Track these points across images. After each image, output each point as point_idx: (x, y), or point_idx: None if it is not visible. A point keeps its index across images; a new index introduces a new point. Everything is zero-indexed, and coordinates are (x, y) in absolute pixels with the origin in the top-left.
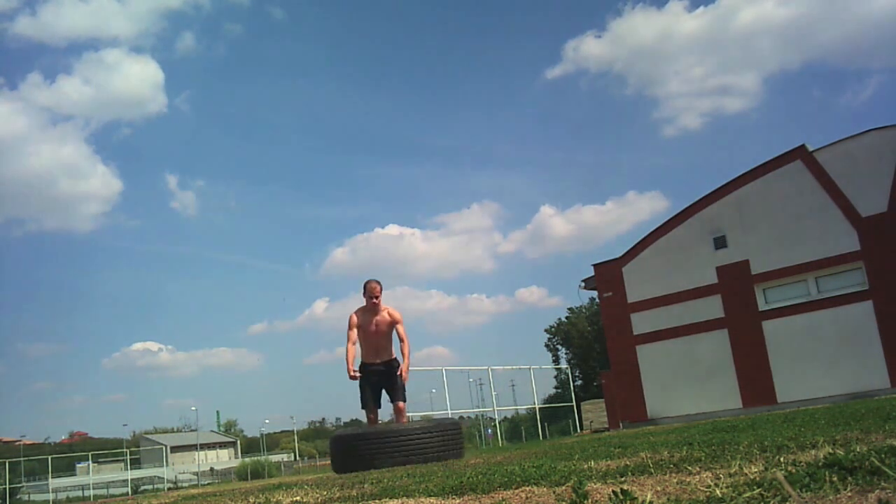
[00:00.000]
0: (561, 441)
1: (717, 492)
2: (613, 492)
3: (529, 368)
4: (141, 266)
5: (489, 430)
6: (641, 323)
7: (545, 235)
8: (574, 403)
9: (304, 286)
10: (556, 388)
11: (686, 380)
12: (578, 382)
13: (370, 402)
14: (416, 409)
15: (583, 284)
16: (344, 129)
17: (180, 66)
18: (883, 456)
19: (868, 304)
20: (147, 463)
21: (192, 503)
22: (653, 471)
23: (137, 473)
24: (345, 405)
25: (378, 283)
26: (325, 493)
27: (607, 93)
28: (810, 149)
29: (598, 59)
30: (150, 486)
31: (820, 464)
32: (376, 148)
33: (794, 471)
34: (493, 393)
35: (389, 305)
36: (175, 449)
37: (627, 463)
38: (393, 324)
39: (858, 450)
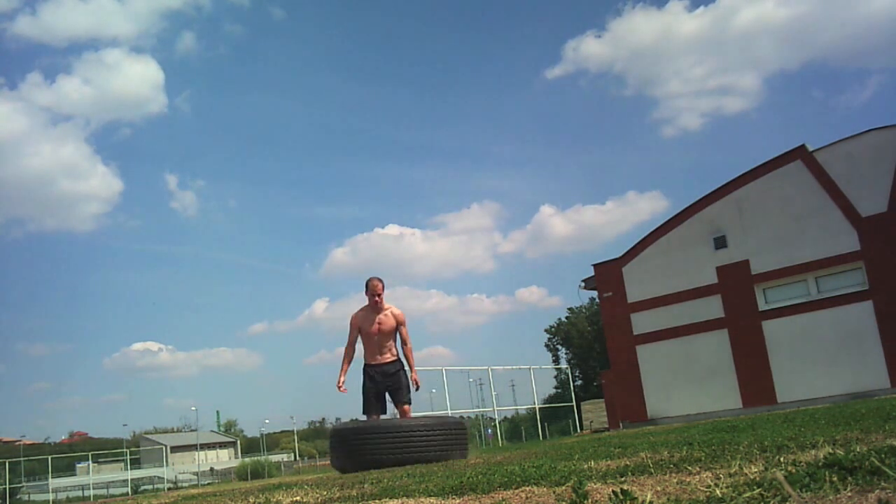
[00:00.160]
0: (561, 441)
1: (717, 492)
2: (613, 492)
3: (529, 368)
4: (141, 266)
5: (489, 430)
6: (641, 323)
7: (545, 235)
8: (574, 403)
9: (304, 286)
10: (556, 388)
11: (686, 380)
12: (578, 382)
13: (373, 409)
14: (416, 409)
15: (583, 284)
16: (344, 129)
17: (180, 66)
18: (883, 456)
19: (868, 304)
20: (147, 463)
21: (192, 503)
22: (653, 471)
23: (137, 473)
24: (345, 405)
25: (380, 280)
26: (325, 493)
27: (607, 93)
28: (810, 149)
29: (598, 59)
30: (150, 486)
31: (820, 464)
32: (376, 148)
33: (794, 471)
34: (493, 393)
35: (392, 305)
36: (175, 449)
37: (627, 463)
38: (396, 324)
39: (858, 450)
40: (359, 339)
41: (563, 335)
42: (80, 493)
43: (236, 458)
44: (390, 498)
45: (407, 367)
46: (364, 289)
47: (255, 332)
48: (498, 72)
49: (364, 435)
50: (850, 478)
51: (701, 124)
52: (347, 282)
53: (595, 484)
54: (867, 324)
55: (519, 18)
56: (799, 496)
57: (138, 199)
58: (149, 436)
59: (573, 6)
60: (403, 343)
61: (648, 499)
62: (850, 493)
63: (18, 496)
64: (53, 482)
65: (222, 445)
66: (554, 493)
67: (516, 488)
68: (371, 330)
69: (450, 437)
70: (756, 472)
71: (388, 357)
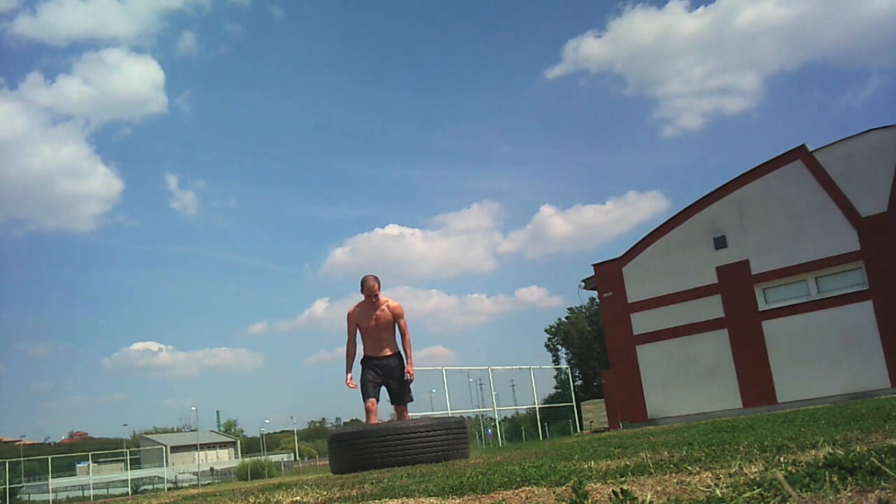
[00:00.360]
0: (561, 441)
1: (717, 492)
2: (613, 492)
3: (529, 368)
4: (141, 266)
5: (489, 430)
6: (641, 323)
7: (545, 235)
8: (574, 403)
9: (304, 286)
10: (556, 388)
11: (686, 380)
12: (578, 382)
13: (371, 393)
14: (416, 409)
15: (583, 284)
16: (344, 129)
17: (180, 66)
18: (883, 456)
19: (868, 304)
20: (147, 463)
21: (192, 503)
22: (653, 471)
23: (137, 473)
24: (345, 405)
25: (376, 280)
26: (325, 493)
27: (607, 93)
28: (810, 149)
29: (598, 59)
30: (150, 486)
31: (820, 464)
32: (376, 148)
33: (794, 471)
34: (493, 393)
35: (388, 298)
36: (175, 449)
37: (627, 463)
38: (394, 318)
39: (858, 450)
40: (358, 334)
41: (563, 335)
42: (80, 494)
43: (236, 458)
44: (390, 498)
45: (405, 359)
46: (360, 287)
47: (255, 331)
48: (498, 72)
49: (364, 439)
50: (850, 478)
51: (701, 124)
52: (347, 282)
53: (595, 484)
54: (867, 324)
55: (519, 18)
56: (799, 496)
57: (138, 199)
58: (149, 436)
59: (573, 6)
60: (402, 334)
61: (648, 499)
62: (850, 494)
63: (18, 496)
64: (53, 482)
65: (222, 445)
66: (554, 493)
67: (516, 488)
68: (368, 325)
69: (451, 438)
70: (756, 472)
71: (388, 351)
